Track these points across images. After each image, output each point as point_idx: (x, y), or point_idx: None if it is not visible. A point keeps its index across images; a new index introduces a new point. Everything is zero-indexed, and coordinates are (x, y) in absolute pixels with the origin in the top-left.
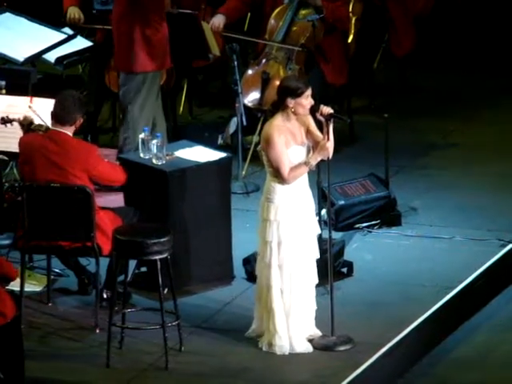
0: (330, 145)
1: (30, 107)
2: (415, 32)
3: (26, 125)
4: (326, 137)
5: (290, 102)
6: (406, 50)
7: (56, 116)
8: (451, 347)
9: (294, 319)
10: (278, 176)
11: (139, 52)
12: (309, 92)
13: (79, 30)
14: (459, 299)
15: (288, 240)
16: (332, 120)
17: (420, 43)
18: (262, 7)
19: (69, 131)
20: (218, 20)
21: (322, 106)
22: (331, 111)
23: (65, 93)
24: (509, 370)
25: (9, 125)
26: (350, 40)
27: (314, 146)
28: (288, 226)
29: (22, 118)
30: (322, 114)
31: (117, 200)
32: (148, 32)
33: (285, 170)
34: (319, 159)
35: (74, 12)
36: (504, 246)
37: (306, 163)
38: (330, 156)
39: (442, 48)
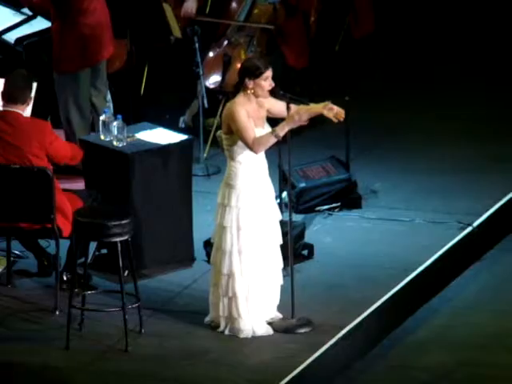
0: (302, 116)
1: None
2: (373, 14)
3: None
4: (301, 110)
5: (249, 83)
6: (364, 32)
7: (8, 96)
8: (410, 330)
9: (253, 303)
10: (245, 145)
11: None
12: (268, 73)
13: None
14: (419, 282)
15: (248, 226)
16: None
17: (379, 24)
18: None
19: (20, 110)
20: (191, 5)
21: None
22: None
23: (15, 72)
24: (467, 352)
25: None
26: (311, 23)
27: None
28: (248, 211)
29: None
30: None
31: (77, 182)
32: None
33: (250, 136)
34: (287, 129)
35: None
36: (463, 228)
37: (272, 132)
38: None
39: (402, 29)
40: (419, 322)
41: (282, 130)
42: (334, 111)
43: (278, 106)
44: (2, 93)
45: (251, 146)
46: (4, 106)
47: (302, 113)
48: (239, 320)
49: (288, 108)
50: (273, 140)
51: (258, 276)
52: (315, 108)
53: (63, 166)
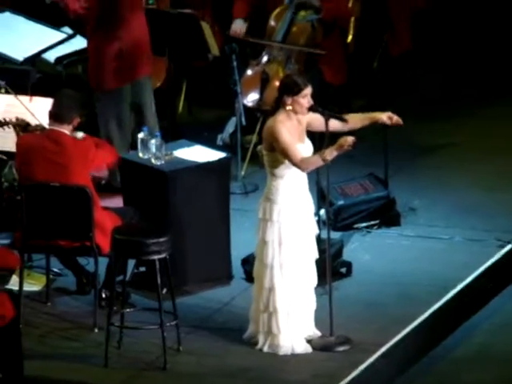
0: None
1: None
2: (411, 32)
3: (23, 126)
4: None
5: (288, 100)
6: (402, 49)
7: (54, 115)
8: (450, 347)
9: (294, 319)
10: (292, 164)
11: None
12: (307, 91)
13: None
14: (458, 299)
15: (289, 240)
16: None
17: (417, 42)
18: (264, 8)
19: (66, 130)
20: (240, 25)
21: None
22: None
23: (62, 92)
24: (507, 370)
25: (6, 126)
26: (349, 40)
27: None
28: (289, 226)
29: (15, 121)
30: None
31: (116, 200)
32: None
33: (295, 154)
34: (335, 154)
35: None
36: (502, 246)
37: (321, 155)
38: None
39: (438, 47)
40: (458, 339)
41: (331, 154)
42: (393, 119)
43: (317, 120)
44: (50, 112)
45: (299, 166)
46: (50, 124)
47: (349, 139)
48: (279, 336)
49: (327, 124)
50: (320, 163)
51: (298, 291)
52: (370, 117)
53: (102, 184)
